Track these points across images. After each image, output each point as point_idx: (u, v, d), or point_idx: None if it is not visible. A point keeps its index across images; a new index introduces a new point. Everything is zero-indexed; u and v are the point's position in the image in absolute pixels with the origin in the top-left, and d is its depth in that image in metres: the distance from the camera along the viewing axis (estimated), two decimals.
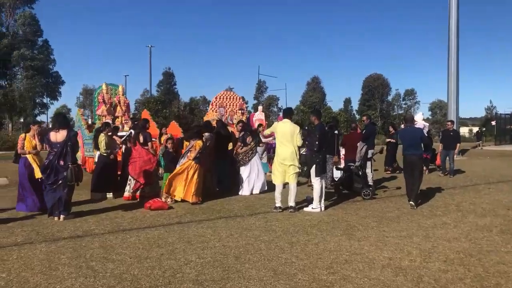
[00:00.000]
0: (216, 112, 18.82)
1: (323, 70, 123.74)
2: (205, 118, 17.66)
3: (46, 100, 39.79)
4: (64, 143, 7.04)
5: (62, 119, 7.27)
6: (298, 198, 8.36)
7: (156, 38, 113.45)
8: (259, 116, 20.05)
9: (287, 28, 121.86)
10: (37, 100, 37.53)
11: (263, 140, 12.41)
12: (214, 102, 19.09)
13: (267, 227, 6.70)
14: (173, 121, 18.12)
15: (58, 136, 7.09)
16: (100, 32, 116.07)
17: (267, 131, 9.60)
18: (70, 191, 7.20)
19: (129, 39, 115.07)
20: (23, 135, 8.13)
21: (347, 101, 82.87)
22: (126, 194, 9.29)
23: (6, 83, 36.07)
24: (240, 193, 9.99)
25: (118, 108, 16.07)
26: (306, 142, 8.59)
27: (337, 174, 10.56)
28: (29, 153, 7.91)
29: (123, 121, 15.81)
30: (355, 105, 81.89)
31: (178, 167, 8.87)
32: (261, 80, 71.21)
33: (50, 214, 7.19)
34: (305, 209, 8.12)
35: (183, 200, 8.69)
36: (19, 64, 36.11)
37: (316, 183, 8.03)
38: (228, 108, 19.11)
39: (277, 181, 8.02)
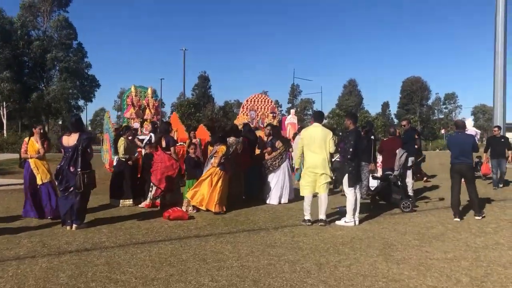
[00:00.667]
0: (246, 115, 18.27)
1: (360, 72, 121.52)
2: (236, 122, 17.15)
3: (81, 102, 40.49)
4: (75, 148, 6.60)
5: (75, 122, 6.83)
6: (330, 209, 7.63)
7: (194, 41, 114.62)
8: (291, 120, 19.35)
9: (323, 31, 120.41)
10: (72, 103, 38.10)
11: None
12: (245, 105, 18.57)
13: (293, 243, 6.03)
14: (202, 124, 17.65)
15: (70, 140, 6.68)
16: (138, 36, 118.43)
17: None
18: (83, 199, 6.76)
19: (166, 43, 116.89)
20: (26, 138, 7.81)
21: (385, 105, 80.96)
22: (147, 201, 8.83)
23: (42, 85, 36.75)
24: (267, 201, 9.36)
25: (147, 110, 15.77)
26: (339, 149, 7.87)
27: (373, 183, 9.76)
28: (31, 157, 7.54)
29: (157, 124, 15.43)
30: (393, 109, 79.83)
31: (203, 174, 8.34)
32: (296, 84, 70.31)
33: (63, 223, 6.77)
34: (337, 222, 7.39)
35: (207, 210, 8.11)
36: (54, 67, 36.77)
37: (350, 194, 7.30)
38: (259, 112, 18.53)
39: (306, 191, 7.33)
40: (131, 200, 8.93)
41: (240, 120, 17.56)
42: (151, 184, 8.77)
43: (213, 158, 8.21)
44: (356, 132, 7.51)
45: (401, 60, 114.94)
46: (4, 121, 38.39)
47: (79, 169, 6.61)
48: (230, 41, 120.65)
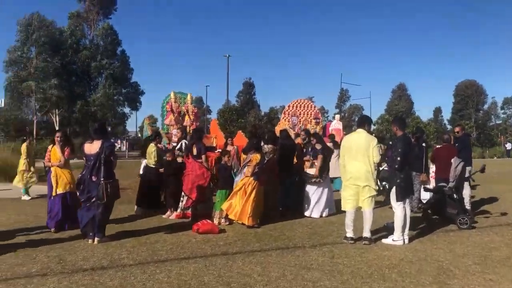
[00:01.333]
0: (288, 121, 17.68)
1: (410, 77, 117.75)
2: (277, 128, 16.56)
3: (126, 110, 41.25)
4: (97, 156, 6.21)
5: (98, 129, 6.46)
6: (376, 224, 6.86)
7: (239, 47, 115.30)
8: (336, 126, 18.52)
9: (372, 34, 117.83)
10: (118, 110, 38.90)
11: None
12: (287, 110, 17.98)
13: (332, 265, 5.33)
14: (240, 131, 17.17)
15: (92, 148, 6.31)
16: (184, 43, 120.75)
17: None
18: (106, 211, 6.37)
19: (213, 49, 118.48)
20: (50, 146, 7.54)
21: (437, 110, 77.74)
22: (178, 211, 8.39)
23: (88, 93, 37.74)
24: (306, 214, 8.66)
25: (187, 117, 15.54)
26: (386, 158, 7.08)
27: (425, 195, 8.85)
28: (52, 165, 7.25)
29: (191, 131, 15.13)
30: (446, 115, 76.49)
31: (237, 184, 7.81)
32: (344, 89, 68.76)
33: (85, 235, 6.40)
34: (383, 240, 6.61)
35: (241, 223, 7.55)
36: (100, 74, 37.67)
37: (398, 209, 6.50)
38: (301, 117, 17.88)
39: (348, 206, 6.60)
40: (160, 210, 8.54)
41: (281, 126, 16.95)
42: (182, 193, 8.31)
43: (247, 167, 7.64)
44: (404, 138, 6.72)
45: (454, 63, 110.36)
46: (57, 128, 39.65)
47: (102, 179, 6.22)
48: (276, 47, 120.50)
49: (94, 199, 6.25)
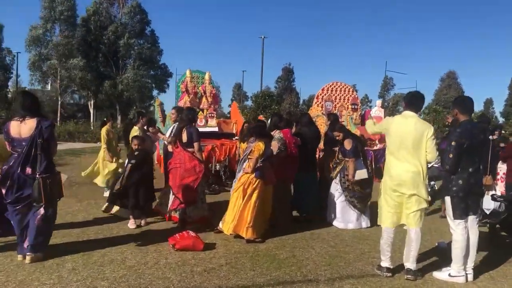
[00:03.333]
0: (321, 107, 15.60)
1: (461, 64, 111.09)
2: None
3: (154, 93, 40.03)
4: (32, 140, 4.49)
5: (30, 103, 4.67)
6: (423, 245, 4.87)
7: (278, 33, 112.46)
8: (377, 113, 16.20)
9: (418, 21, 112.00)
10: (146, 92, 37.71)
11: None
12: (320, 94, 15.85)
13: None
14: (261, 116, 15.19)
15: (23, 128, 4.57)
16: (220, 26, 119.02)
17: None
18: (47, 217, 4.65)
19: (248, 34, 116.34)
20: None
21: (488, 102, 72.73)
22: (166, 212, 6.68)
23: (115, 73, 36.68)
24: (333, 223, 6.74)
25: (204, 99, 13.71)
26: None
27: (491, 205, 6.66)
28: None
29: (208, 115, 13.38)
30: (498, 107, 71.48)
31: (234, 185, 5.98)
32: (388, 77, 65.20)
33: (18, 249, 4.70)
34: (435, 274, 4.65)
35: (237, 235, 5.72)
36: (127, 54, 36.51)
37: (457, 231, 4.52)
38: (336, 103, 15.73)
39: (387, 222, 4.63)
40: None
41: (313, 113, 14.89)
42: (170, 192, 6.54)
43: (247, 161, 5.74)
44: (466, 125, 4.58)
45: (509, 51, 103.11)
46: (91, 111, 38.98)
47: (39, 173, 4.50)
48: (318, 32, 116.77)
49: (28, 201, 4.54)
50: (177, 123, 6.82)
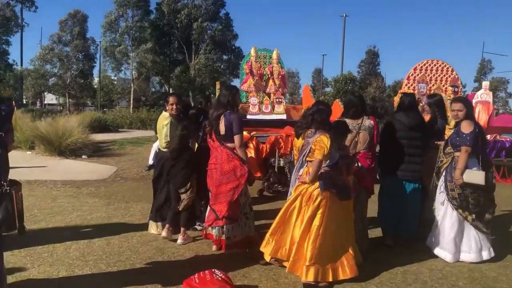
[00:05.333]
0: (413, 89, 13.14)
1: None
2: (396, 99, 12.19)
3: (226, 77, 38.64)
4: None
5: None
6: None
7: (362, 10, 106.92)
8: (483, 98, 13.40)
9: None
10: (218, 77, 36.57)
11: None
12: (412, 75, 13.41)
13: None
14: (336, 100, 12.97)
15: None
16: (299, 6, 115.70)
17: None
18: None
19: (328, 13, 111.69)
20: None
21: None
22: (199, 228, 5.06)
23: (188, 58, 35.91)
24: (435, 252, 4.69)
25: (270, 81, 11.92)
26: None
27: None
28: None
29: (275, 100, 11.56)
30: None
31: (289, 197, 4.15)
32: (486, 59, 58.77)
33: None
34: None
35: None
36: (200, 37, 35.50)
37: None
38: (432, 85, 13.17)
39: None
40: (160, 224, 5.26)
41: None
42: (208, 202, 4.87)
43: (305, 165, 3.85)
44: None
45: None
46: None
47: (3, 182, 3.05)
48: (406, 14, 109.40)
49: None
50: (213, 111, 5.03)
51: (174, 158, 5.04)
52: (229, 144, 4.65)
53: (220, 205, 4.60)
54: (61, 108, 41.70)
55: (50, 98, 49.84)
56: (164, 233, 5.07)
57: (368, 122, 4.80)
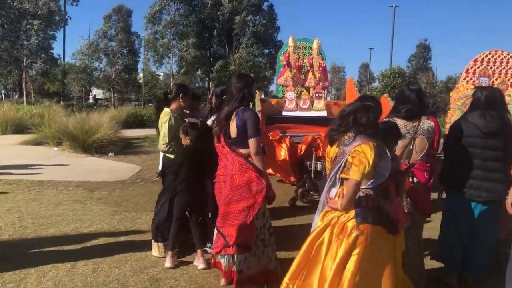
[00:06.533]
0: (473, 83, 11.62)
1: None
2: (453, 95, 10.71)
3: (268, 73, 37.49)
4: None
5: None
6: None
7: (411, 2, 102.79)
8: None
9: None
10: (259, 72, 35.51)
11: None
12: (471, 68, 11.89)
13: None
14: (385, 95, 11.63)
15: None
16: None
17: None
18: None
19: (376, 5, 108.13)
20: None
21: None
22: (209, 254, 4.08)
23: (229, 52, 35.16)
24: None
25: (310, 74, 10.78)
26: None
27: None
28: None
29: (314, 95, 10.38)
30: None
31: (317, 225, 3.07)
32: None
33: None
34: None
35: None
36: (242, 31, 34.64)
37: None
38: (495, 78, 11.60)
39: None
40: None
41: (460, 93, 11.04)
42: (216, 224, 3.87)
43: (338, 183, 2.76)
44: None
45: None
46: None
47: None
48: (460, 5, 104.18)
49: None
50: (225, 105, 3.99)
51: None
52: (242, 150, 3.60)
53: (230, 228, 3.57)
54: (107, 103, 42.12)
55: (98, 93, 50.65)
56: (168, 263, 4.10)
57: (427, 124, 3.63)
